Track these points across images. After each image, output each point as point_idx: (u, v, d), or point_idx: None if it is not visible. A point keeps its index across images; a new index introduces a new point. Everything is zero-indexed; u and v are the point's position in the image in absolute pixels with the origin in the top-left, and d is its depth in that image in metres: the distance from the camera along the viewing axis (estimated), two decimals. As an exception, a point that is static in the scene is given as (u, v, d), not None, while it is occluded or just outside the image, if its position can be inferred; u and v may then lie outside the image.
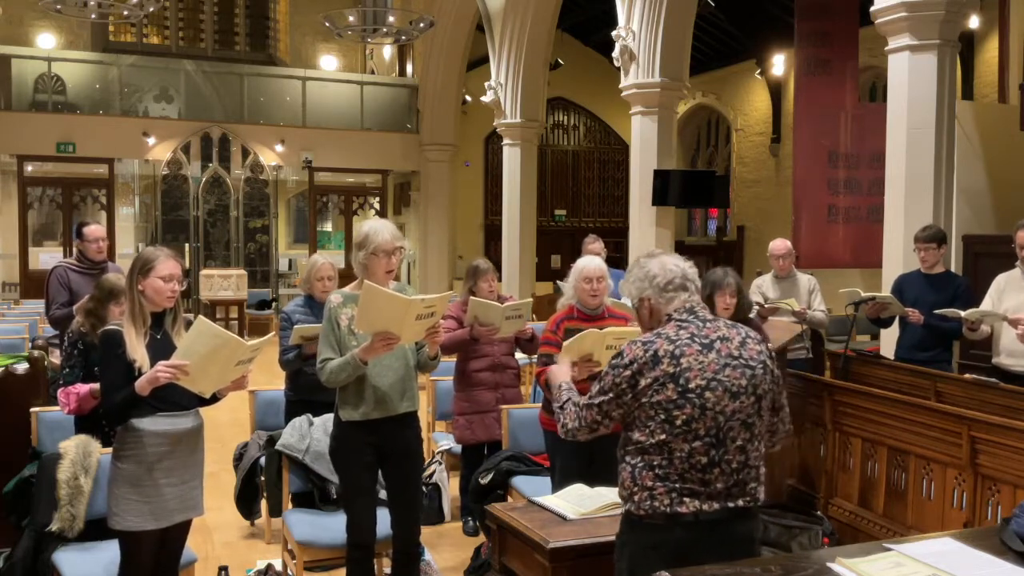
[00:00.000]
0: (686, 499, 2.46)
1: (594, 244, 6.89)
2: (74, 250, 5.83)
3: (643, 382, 2.46)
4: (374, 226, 3.60)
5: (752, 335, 2.63)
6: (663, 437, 2.46)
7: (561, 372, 2.96)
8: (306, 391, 4.82)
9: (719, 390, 2.47)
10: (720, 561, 2.33)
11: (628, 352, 2.51)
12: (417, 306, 3.30)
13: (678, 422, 2.44)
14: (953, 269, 6.40)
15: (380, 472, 3.73)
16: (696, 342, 2.50)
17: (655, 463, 2.47)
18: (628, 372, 2.49)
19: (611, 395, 2.53)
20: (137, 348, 3.10)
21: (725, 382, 2.48)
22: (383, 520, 3.76)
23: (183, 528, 3.34)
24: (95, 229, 5.66)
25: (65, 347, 4.29)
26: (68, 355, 4.19)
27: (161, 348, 3.15)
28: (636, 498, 2.50)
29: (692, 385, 2.45)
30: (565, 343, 3.84)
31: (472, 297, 5.05)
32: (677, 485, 2.46)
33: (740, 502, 2.51)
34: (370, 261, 3.54)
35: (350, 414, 3.59)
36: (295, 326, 4.67)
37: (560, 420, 2.71)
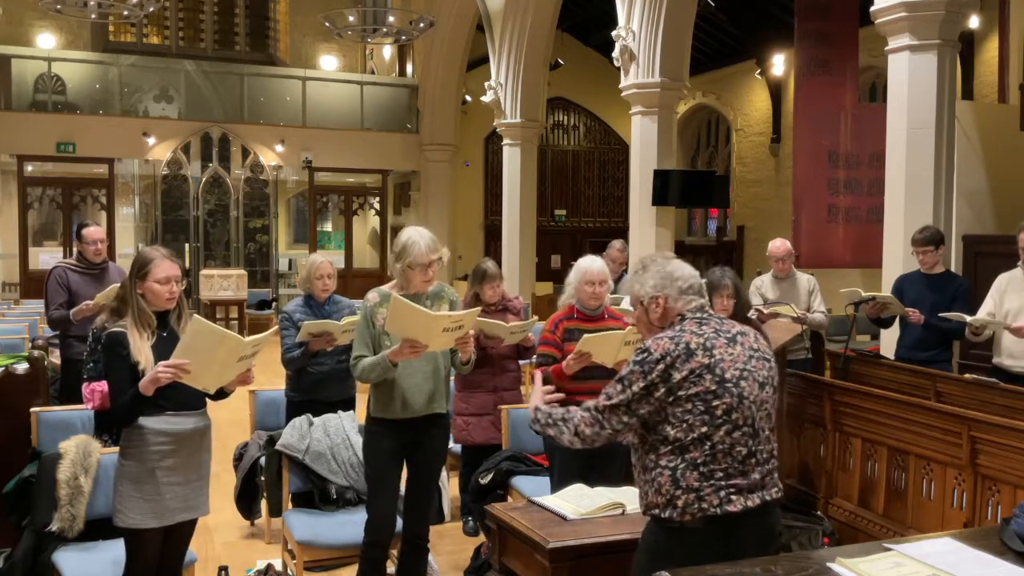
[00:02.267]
0: (733, 497, 2.46)
1: (620, 253, 6.92)
2: (74, 251, 5.84)
3: (677, 375, 2.44)
4: (412, 238, 3.63)
5: (758, 334, 2.69)
6: (704, 430, 2.44)
7: (533, 398, 2.86)
8: (308, 391, 4.82)
9: (750, 379, 2.50)
10: (755, 554, 2.36)
11: (656, 347, 2.48)
12: (443, 321, 3.37)
13: (718, 412, 2.44)
14: (953, 269, 6.40)
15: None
16: (721, 336, 2.53)
17: (698, 461, 2.45)
18: (661, 366, 2.45)
19: (639, 391, 2.47)
20: (141, 350, 3.10)
21: (754, 372, 2.52)
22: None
23: (188, 528, 3.35)
24: (94, 231, 5.67)
25: (90, 341, 4.32)
26: (92, 349, 4.22)
27: (168, 347, 3.15)
28: (679, 503, 2.46)
29: (728, 375, 2.46)
30: (585, 336, 3.87)
31: (479, 318, 5.01)
32: (723, 482, 2.45)
33: (772, 492, 2.55)
34: (407, 272, 3.62)
35: (380, 411, 3.66)
36: (304, 322, 4.67)
37: (567, 432, 2.61)
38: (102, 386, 3.98)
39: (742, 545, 2.45)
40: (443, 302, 3.74)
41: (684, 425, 2.46)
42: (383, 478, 3.68)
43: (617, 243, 7.06)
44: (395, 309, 3.36)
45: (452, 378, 5.32)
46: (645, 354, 2.49)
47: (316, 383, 4.82)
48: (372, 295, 3.70)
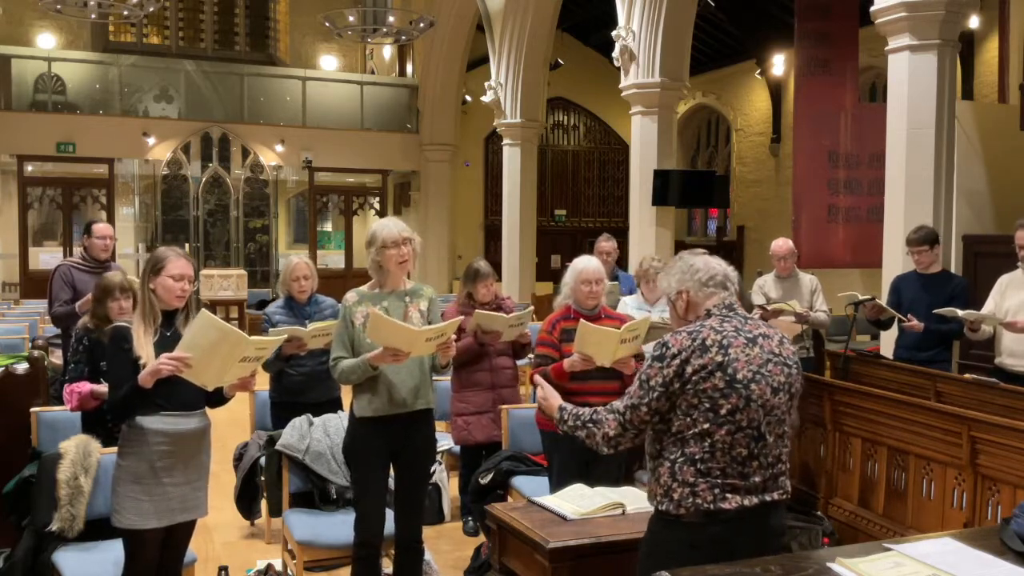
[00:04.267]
0: (728, 495, 2.46)
1: (607, 243, 6.91)
2: (75, 249, 5.89)
3: (690, 369, 2.45)
4: (381, 222, 3.71)
5: (785, 336, 2.68)
6: (706, 426, 2.45)
7: (552, 396, 2.88)
8: (289, 392, 4.85)
9: (762, 383, 2.49)
10: (753, 553, 2.35)
11: (674, 343, 2.49)
12: (426, 333, 3.41)
13: (722, 411, 2.44)
14: (953, 269, 6.40)
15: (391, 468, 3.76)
16: (741, 335, 2.52)
17: (696, 456, 2.46)
18: (676, 361, 2.46)
19: (659, 390, 2.48)
20: (144, 345, 3.11)
21: (768, 376, 2.51)
22: (387, 518, 3.79)
23: (187, 529, 3.35)
24: (103, 227, 5.78)
25: (72, 343, 4.32)
26: (74, 350, 4.23)
27: (171, 346, 3.15)
28: (675, 495, 2.48)
29: (739, 376, 2.46)
30: (583, 322, 3.87)
31: (478, 310, 5.03)
32: (719, 480, 2.46)
33: (775, 495, 2.54)
34: (381, 256, 3.62)
35: (364, 410, 3.63)
36: (272, 328, 4.67)
37: (594, 434, 2.61)
38: (81, 387, 3.99)
39: (739, 543, 2.45)
40: (422, 299, 3.74)
41: (688, 419, 2.47)
42: (369, 478, 3.67)
43: (603, 236, 7.07)
44: (374, 325, 3.39)
45: (449, 379, 5.35)
46: (663, 349, 2.50)
47: (297, 385, 4.83)
48: (350, 295, 3.70)
